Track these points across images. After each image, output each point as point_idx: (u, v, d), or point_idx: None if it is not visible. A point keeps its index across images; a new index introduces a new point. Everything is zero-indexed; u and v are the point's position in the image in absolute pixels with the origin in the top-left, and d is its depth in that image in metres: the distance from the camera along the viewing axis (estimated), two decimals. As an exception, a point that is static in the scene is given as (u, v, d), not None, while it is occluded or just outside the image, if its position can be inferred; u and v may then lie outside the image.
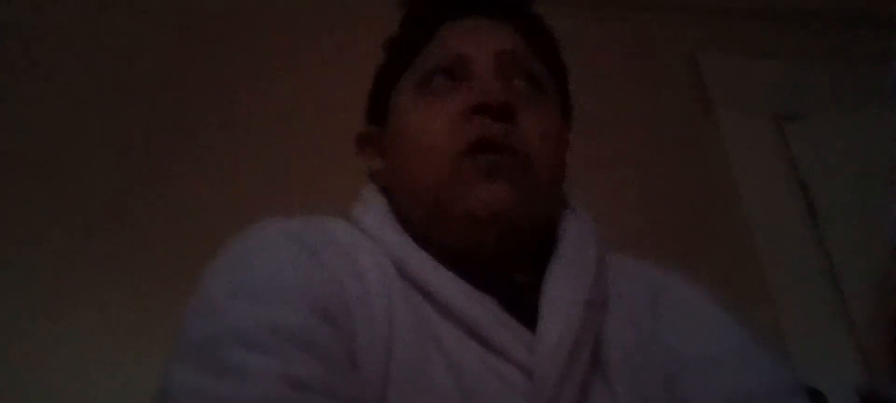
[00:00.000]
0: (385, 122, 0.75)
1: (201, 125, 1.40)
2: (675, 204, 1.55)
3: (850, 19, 1.77)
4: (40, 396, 1.15)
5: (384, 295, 0.60)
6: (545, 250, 0.68)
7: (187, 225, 1.28)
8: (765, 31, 1.77)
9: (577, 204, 0.75)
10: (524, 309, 0.63)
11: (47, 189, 1.30)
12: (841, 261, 1.53)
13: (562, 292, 0.64)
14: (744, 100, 1.68)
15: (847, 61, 1.76)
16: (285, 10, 1.53)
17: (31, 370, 1.16)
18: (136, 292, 1.23)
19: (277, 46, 1.49)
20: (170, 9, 1.49)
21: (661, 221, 1.50)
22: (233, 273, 0.58)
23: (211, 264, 0.60)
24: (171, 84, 1.43)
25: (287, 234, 0.61)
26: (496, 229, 0.65)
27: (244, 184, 1.34)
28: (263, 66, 1.47)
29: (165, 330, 0.56)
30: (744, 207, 1.57)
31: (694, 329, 0.68)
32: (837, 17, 1.78)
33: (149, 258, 1.26)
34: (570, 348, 0.60)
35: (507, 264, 0.66)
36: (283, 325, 0.53)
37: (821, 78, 1.73)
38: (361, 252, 0.63)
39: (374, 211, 0.70)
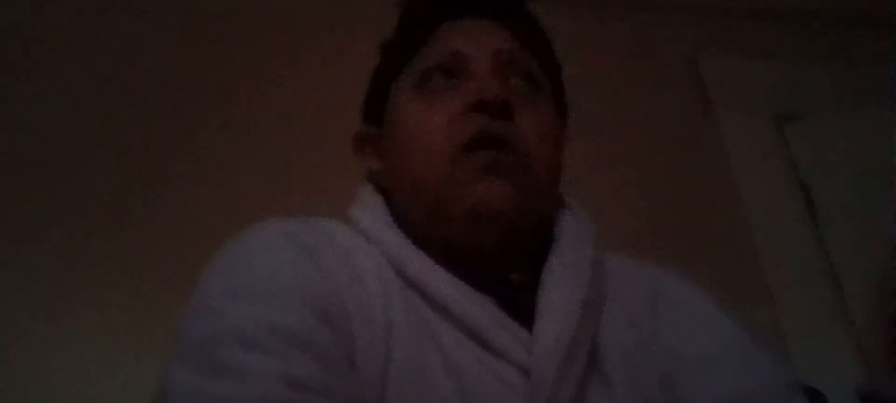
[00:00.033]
0: (382, 122, 0.75)
1: (201, 125, 1.40)
2: (675, 204, 1.55)
3: (850, 19, 1.77)
4: (40, 396, 1.15)
5: (382, 296, 0.60)
6: (542, 250, 0.68)
7: (187, 225, 1.28)
8: (765, 31, 1.77)
9: (574, 203, 0.75)
10: (521, 308, 0.63)
11: (47, 189, 1.29)
12: (841, 261, 1.53)
13: (559, 292, 0.64)
14: (744, 101, 1.68)
15: (847, 61, 1.76)
16: (285, 10, 1.53)
17: (31, 370, 1.16)
18: (136, 292, 1.23)
19: (277, 46, 1.49)
20: (170, 9, 1.49)
21: (661, 221, 1.50)
22: (232, 273, 0.58)
23: (209, 265, 0.60)
24: (171, 84, 1.43)
25: (285, 235, 0.61)
26: (496, 227, 0.65)
27: (244, 184, 1.34)
28: (263, 66, 1.47)
29: (165, 330, 0.56)
30: (744, 207, 1.57)
31: (693, 329, 0.68)
32: (837, 17, 1.78)
33: (149, 258, 1.26)
34: (567, 348, 0.60)
35: (504, 264, 0.66)
36: (283, 325, 0.53)
37: (821, 78, 1.73)
38: (359, 253, 0.63)
39: (371, 211, 0.70)
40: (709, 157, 1.62)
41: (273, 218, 0.64)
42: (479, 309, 0.62)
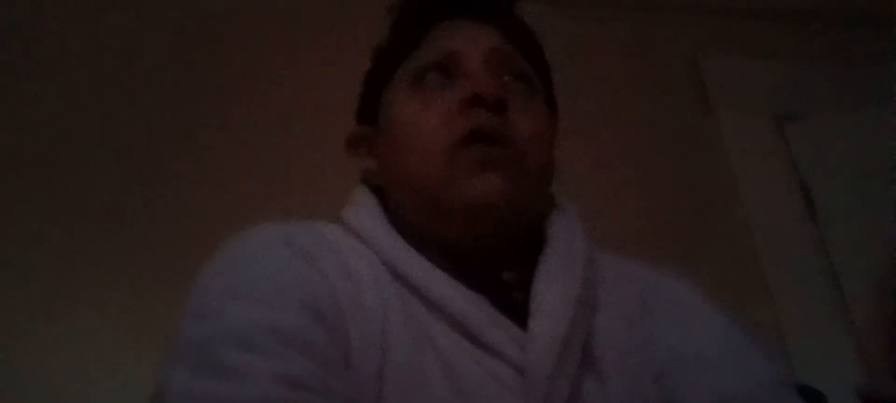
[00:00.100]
0: (376, 122, 0.75)
1: (201, 125, 1.40)
2: (675, 204, 1.55)
3: (850, 19, 1.78)
4: (40, 396, 1.15)
5: (377, 296, 0.60)
6: (535, 249, 0.68)
7: (187, 226, 1.28)
8: (765, 31, 1.77)
9: (566, 202, 0.75)
10: (515, 307, 0.64)
11: (47, 189, 1.30)
12: (841, 261, 1.53)
13: (552, 290, 0.64)
14: (744, 101, 1.68)
15: (847, 61, 1.76)
16: (285, 10, 1.53)
17: (31, 370, 1.16)
18: (136, 292, 1.23)
19: (277, 46, 1.49)
20: (170, 9, 1.49)
21: (660, 221, 1.50)
22: (230, 275, 0.59)
23: (206, 267, 0.60)
24: (171, 84, 1.43)
25: (282, 237, 0.62)
26: (491, 221, 0.65)
27: (244, 185, 1.34)
28: (263, 66, 1.47)
29: (165, 330, 0.56)
30: (744, 207, 1.57)
31: (688, 328, 0.68)
32: (837, 17, 1.79)
33: (149, 258, 1.26)
34: (561, 345, 0.61)
35: (498, 262, 0.67)
36: (281, 326, 0.53)
37: (821, 78, 1.73)
38: (353, 253, 0.64)
39: (365, 212, 0.71)
40: (709, 157, 1.62)
41: (270, 220, 0.64)
42: (473, 307, 0.62)
